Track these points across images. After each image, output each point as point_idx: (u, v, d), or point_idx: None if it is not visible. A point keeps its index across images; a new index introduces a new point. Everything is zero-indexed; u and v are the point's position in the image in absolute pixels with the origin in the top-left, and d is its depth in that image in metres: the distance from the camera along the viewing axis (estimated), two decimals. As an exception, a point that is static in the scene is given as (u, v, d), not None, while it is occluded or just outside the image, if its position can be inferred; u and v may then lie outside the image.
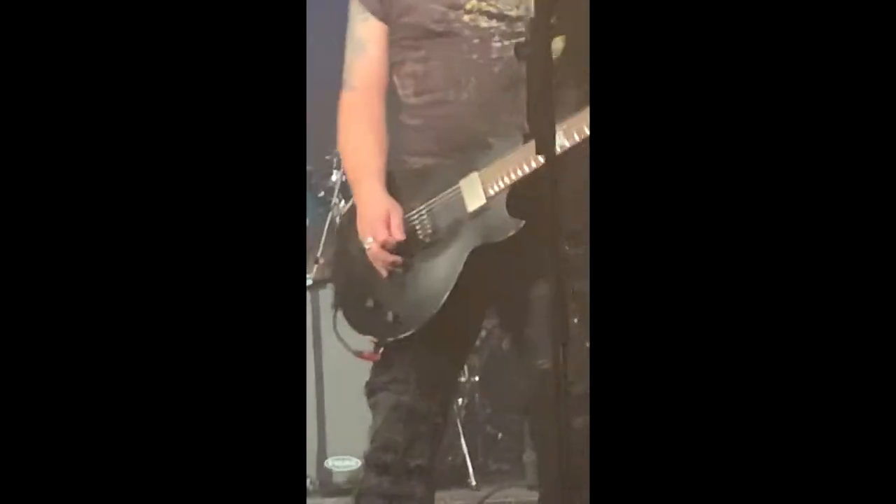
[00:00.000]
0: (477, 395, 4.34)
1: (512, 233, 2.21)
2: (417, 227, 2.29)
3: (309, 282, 4.20)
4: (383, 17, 2.40)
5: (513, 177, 2.21)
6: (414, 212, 2.27)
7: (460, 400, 4.25)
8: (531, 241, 2.22)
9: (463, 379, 4.19)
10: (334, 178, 4.48)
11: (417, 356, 2.36)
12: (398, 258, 2.27)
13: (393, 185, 2.38)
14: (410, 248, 2.26)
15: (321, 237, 4.45)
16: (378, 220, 2.29)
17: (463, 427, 4.17)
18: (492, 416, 4.40)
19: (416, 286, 2.29)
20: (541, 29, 1.86)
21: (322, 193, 4.56)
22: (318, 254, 4.39)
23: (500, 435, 4.42)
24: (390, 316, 2.32)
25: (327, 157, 4.55)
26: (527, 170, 2.20)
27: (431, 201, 2.27)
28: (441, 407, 2.50)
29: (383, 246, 2.25)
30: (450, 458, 4.15)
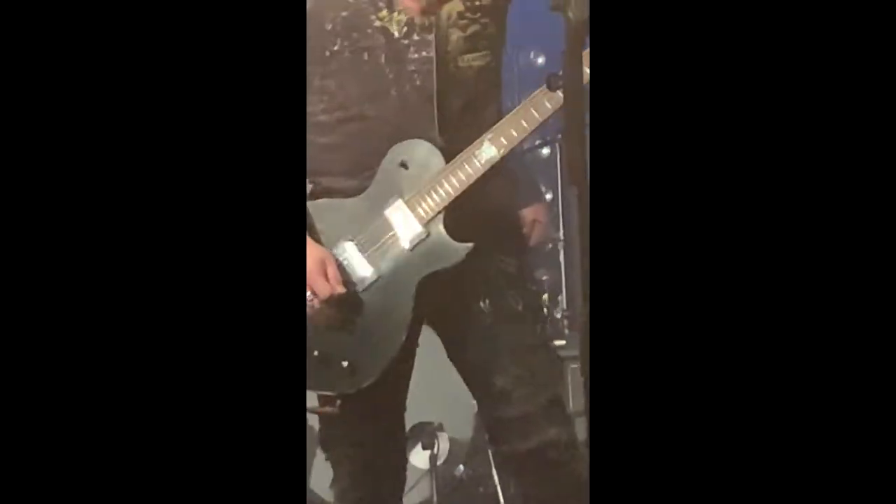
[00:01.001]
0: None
1: (458, 259, 2.09)
2: (357, 271, 2.15)
3: None
4: None
5: (444, 197, 2.09)
6: (345, 252, 2.11)
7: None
8: (476, 260, 2.12)
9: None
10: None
11: (378, 405, 2.24)
12: (340, 314, 2.11)
13: (309, 220, 2.17)
14: (352, 297, 2.10)
15: None
16: (314, 273, 2.08)
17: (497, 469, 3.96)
18: None
19: (368, 329, 2.14)
20: (573, 61, 1.75)
21: None
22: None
23: None
24: (345, 364, 2.14)
25: None
26: (458, 188, 2.08)
27: (360, 237, 2.12)
28: (404, 453, 2.48)
29: (327, 301, 2.07)
30: (480, 490, 4.06)
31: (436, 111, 2.12)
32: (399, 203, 2.09)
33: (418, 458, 3.89)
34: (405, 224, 2.12)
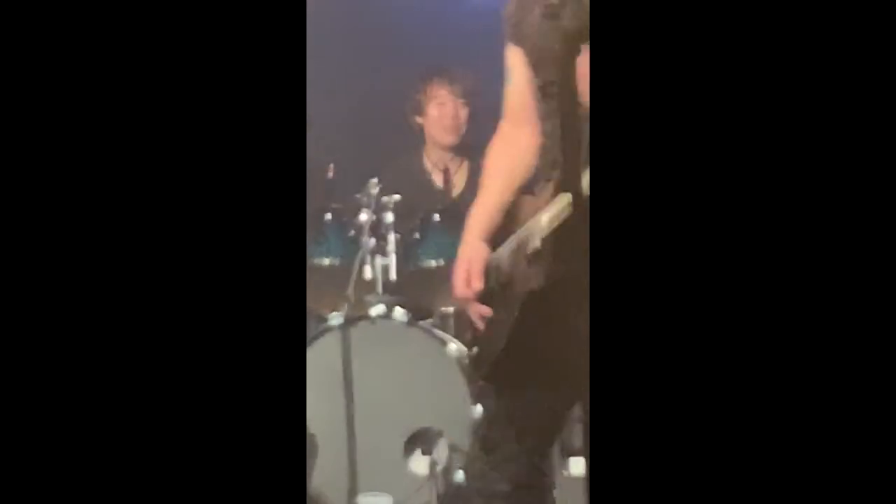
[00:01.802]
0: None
1: None
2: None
3: (340, 320, 4.16)
4: (517, 39, 2.31)
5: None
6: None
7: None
8: None
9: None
10: (363, 217, 4.29)
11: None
12: (486, 309, 2.30)
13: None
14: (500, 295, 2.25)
15: (350, 277, 4.35)
16: (458, 272, 2.35)
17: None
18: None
19: None
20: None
21: (352, 232, 4.39)
22: (349, 291, 4.29)
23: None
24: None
25: (356, 196, 4.39)
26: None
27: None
28: None
29: (465, 300, 2.29)
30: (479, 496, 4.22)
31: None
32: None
33: (418, 464, 3.96)
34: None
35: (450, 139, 4.59)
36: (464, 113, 4.67)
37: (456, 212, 4.25)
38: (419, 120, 4.53)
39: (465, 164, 4.41)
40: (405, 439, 4.15)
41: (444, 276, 4.11)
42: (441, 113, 4.65)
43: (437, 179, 4.35)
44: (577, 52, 2.10)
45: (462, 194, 4.29)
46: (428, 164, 4.40)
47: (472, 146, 4.38)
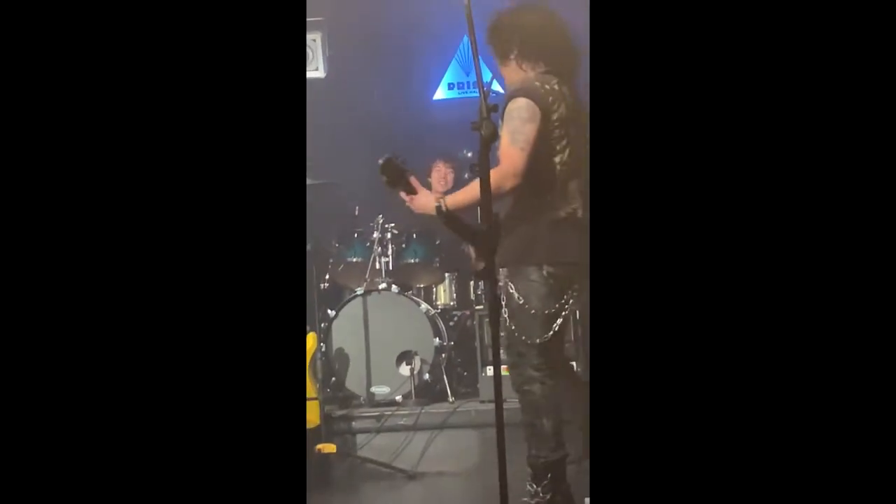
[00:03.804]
0: (453, 352, 5.53)
1: None
2: None
3: (362, 291, 5.45)
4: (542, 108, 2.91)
5: None
6: None
7: (443, 355, 5.38)
8: None
9: (445, 343, 5.42)
10: (375, 235, 5.63)
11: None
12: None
13: None
14: None
15: (368, 268, 5.59)
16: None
17: (446, 370, 5.38)
18: (461, 363, 5.67)
19: None
20: (484, 161, 2.34)
21: (368, 244, 5.69)
22: (367, 276, 5.56)
23: (465, 373, 5.74)
24: None
25: (371, 224, 5.67)
26: None
27: None
28: None
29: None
30: (437, 387, 5.37)
31: None
32: None
33: (404, 370, 5.36)
34: None
35: (441, 189, 5.68)
36: (451, 176, 6.05)
37: (428, 231, 5.59)
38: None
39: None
40: (396, 356, 5.47)
41: (418, 268, 5.58)
42: (437, 176, 6.05)
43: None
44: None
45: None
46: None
47: (451, 190, 5.31)
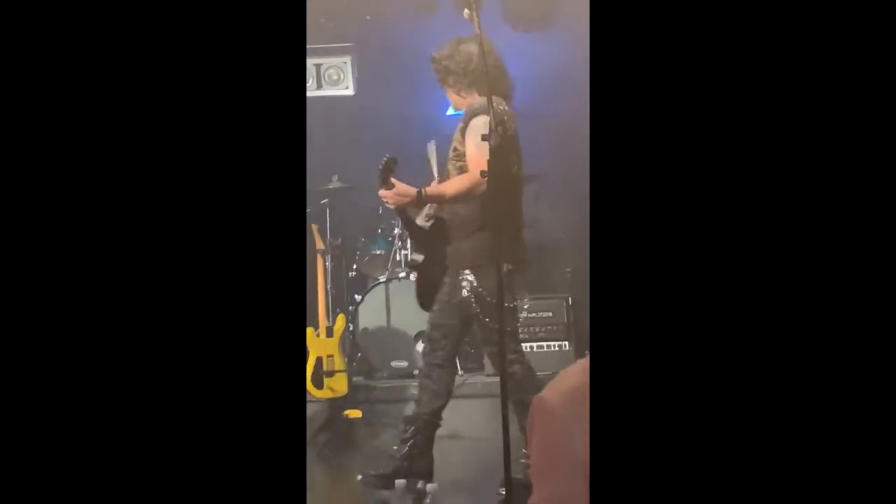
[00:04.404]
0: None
1: None
2: None
3: (384, 279, 6.00)
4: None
5: None
6: None
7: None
8: None
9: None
10: (396, 231, 6.21)
11: None
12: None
13: None
14: None
15: (389, 259, 6.20)
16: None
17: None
18: (468, 341, 5.48)
19: None
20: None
21: (390, 239, 6.27)
22: (389, 266, 6.15)
23: (472, 350, 6.17)
24: None
25: (392, 222, 6.27)
26: None
27: None
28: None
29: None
30: None
31: None
32: None
33: (420, 347, 5.47)
34: None
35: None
36: None
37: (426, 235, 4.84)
38: None
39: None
40: (413, 335, 5.97)
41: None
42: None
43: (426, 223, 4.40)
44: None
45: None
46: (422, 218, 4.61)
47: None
